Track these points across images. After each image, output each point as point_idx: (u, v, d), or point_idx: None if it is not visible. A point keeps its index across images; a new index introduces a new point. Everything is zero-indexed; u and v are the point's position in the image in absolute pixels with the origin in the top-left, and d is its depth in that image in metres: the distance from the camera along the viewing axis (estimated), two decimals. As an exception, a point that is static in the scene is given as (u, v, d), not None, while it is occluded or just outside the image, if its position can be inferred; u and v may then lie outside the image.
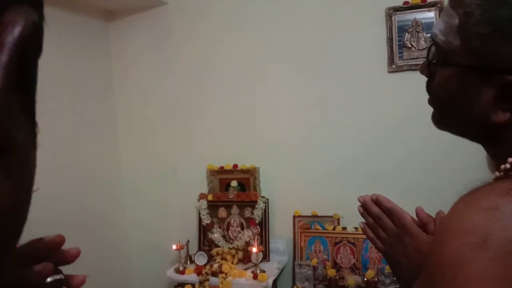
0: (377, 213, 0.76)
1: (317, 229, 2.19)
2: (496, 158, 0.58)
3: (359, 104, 2.13)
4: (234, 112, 2.35)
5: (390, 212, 0.75)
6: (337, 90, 2.16)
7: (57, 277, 0.36)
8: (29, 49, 0.21)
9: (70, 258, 0.39)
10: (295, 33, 2.20)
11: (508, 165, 0.53)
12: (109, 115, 2.53)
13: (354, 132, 2.15)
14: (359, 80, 2.12)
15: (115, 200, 2.54)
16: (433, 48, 0.60)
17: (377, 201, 0.76)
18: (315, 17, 2.15)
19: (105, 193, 2.47)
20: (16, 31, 0.19)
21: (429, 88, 0.62)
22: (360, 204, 0.80)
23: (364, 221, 0.80)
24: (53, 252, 0.37)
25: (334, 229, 2.14)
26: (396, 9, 2.02)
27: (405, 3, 2.00)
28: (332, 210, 2.19)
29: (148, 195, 2.56)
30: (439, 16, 1.95)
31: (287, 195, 2.30)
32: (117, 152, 2.58)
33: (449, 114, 0.60)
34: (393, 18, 2.02)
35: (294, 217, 2.26)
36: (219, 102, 2.38)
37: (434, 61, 0.59)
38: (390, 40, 2.04)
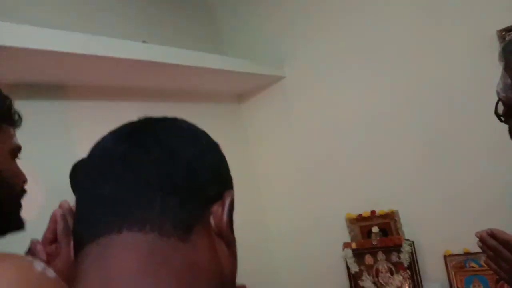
0: (495, 246, 0.81)
1: (472, 267, 2.08)
2: None
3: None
4: (366, 163, 2.46)
5: (507, 243, 0.80)
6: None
7: None
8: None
9: None
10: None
11: None
12: (251, 179, 2.83)
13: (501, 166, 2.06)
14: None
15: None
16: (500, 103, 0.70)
17: (492, 235, 0.82)
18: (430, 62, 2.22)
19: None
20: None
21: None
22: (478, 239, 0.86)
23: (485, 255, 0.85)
24: None
25: (492, 265, 2.01)
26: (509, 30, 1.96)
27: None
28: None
29: (294, 246, 2.73)
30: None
31: (433, 235, 2.25)
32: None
33: None
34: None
35: (445, 257, 2.19)
36: (349, 155, 2.51)
37: (501, 115, 0.69)
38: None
